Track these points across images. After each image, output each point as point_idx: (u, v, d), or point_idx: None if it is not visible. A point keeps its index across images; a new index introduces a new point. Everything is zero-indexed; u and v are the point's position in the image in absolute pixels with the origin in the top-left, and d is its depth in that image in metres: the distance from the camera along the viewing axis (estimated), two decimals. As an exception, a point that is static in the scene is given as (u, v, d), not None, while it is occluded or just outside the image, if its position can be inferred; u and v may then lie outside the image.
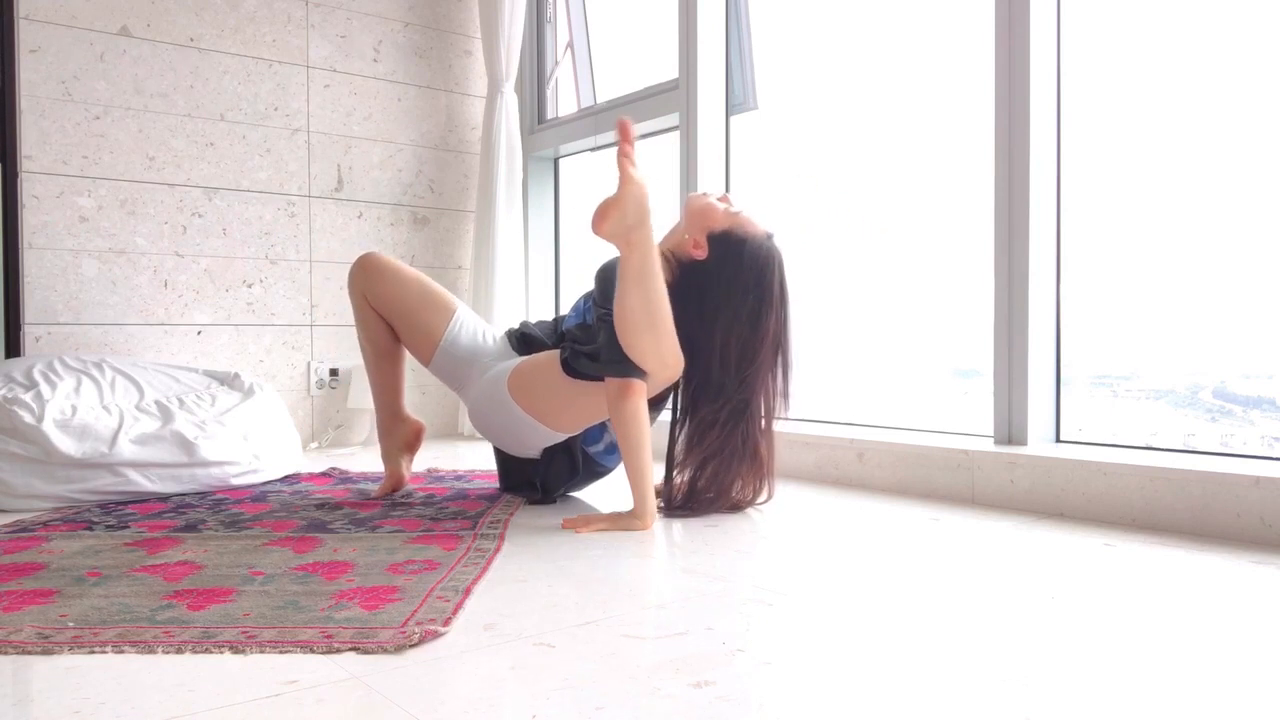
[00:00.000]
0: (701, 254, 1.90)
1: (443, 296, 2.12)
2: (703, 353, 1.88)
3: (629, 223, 1.65)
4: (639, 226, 1.66)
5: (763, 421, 1.94)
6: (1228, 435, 2.02)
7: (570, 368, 1.87)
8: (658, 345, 1.72)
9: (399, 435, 2.19)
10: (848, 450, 2.37)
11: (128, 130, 2.82)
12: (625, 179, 1.65)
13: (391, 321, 2.11)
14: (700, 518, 1.91)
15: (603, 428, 2.05)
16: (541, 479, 2.05)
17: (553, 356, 1.93)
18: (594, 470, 2.12)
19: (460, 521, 1.85)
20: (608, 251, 2.07)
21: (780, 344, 1.91)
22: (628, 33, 3.48)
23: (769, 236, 1.93)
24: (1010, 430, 2.16)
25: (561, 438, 2.00)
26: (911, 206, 2.63)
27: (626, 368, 1.75)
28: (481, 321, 2.17)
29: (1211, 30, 2.03)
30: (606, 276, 1.86)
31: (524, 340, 2.09)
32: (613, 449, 2.09)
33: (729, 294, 1.87)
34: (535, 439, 1.99)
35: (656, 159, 3.13)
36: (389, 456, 2.19)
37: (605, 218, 1.65)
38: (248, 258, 3.05)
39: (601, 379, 1.81)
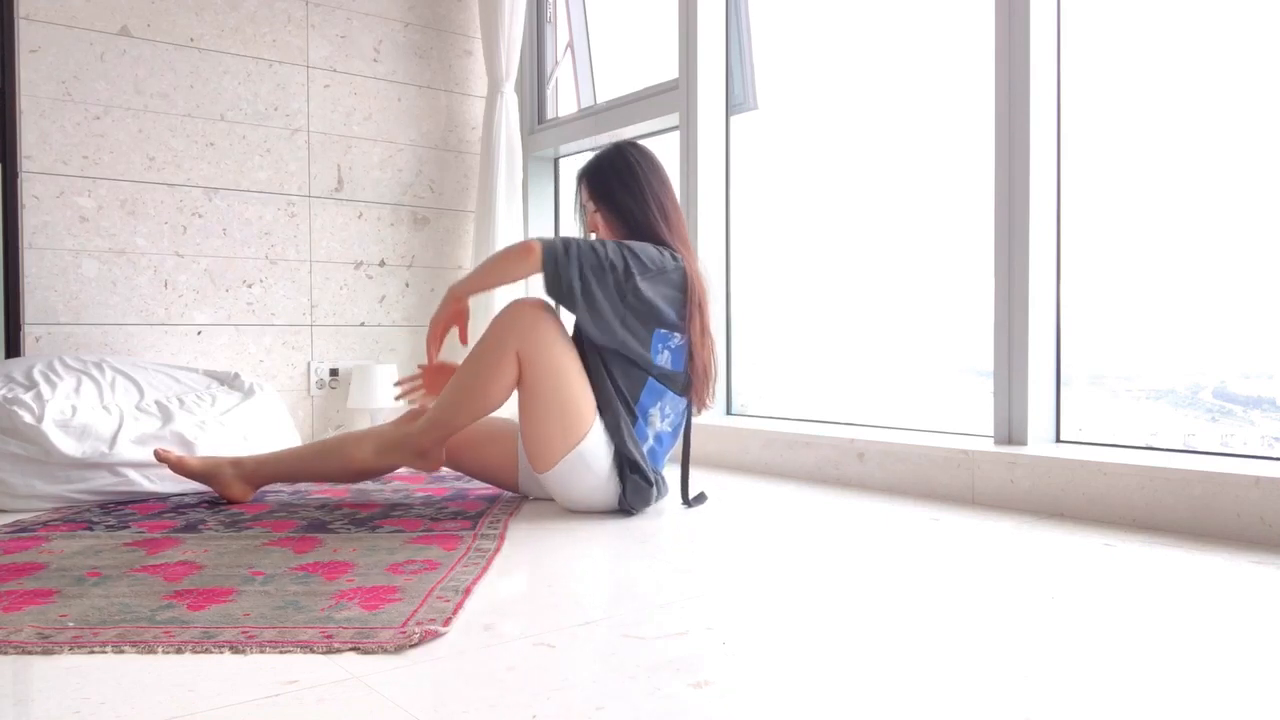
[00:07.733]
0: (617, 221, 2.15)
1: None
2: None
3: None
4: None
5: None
6: (1228, 435, 2.02)
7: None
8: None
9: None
10: (848, 450, 2.37)
11: (128, 130, 2.82)
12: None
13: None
14: (701, 514, 1.92)
15: (646, 422, 2.00)
16: (629, 506, 1.97)
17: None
18: (661, 480, 2.03)
19: (460, 521, 1.85)
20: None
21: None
22: (628, 33, 3.48)
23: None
24: (1010, 430, 2.16)
25: (597, 441, 1.92)
26: (912, 206, 2.63)
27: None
28: None
29: (1212, 30, 2.03)
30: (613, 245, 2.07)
31: None
32: (660, 442, 2.03)
33: (626, 198, 2.13)
34: (590, 475, 1.93)
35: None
36: None
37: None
38: (248, 258, 3.05)
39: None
